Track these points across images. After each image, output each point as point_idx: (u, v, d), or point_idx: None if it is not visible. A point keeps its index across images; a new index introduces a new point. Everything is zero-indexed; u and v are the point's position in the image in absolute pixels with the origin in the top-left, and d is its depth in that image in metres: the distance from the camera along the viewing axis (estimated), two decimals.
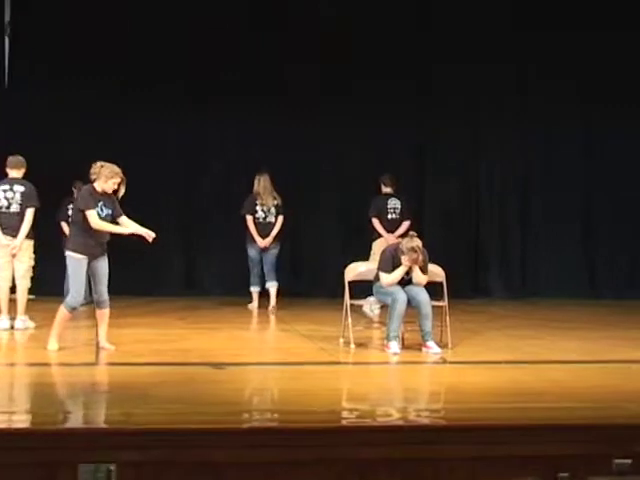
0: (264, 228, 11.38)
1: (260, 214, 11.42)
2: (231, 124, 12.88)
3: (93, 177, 8.08)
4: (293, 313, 11.11)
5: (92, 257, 8.04)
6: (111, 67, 12.28)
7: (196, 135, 12.94)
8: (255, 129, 12.62)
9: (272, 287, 11.43)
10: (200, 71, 12.54)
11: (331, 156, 12.97)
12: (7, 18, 12.43)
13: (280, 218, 11.41)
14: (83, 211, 7.96)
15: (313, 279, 12.90)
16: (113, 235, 8.16)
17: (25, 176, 9.52)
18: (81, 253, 8.01)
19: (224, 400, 6.22)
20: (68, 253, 8.08)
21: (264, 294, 11.49)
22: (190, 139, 12.87)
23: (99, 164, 8.08)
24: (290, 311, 11.27)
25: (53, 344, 8.02)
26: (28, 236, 9.34)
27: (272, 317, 11.08)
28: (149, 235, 8.10)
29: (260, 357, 8.62)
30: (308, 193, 12.54)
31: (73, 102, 12.16)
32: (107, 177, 8.02)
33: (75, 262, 8.02)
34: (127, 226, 8.15)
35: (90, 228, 7.96)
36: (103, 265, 8.10)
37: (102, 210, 8.00)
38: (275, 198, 11.45)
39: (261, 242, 11.35)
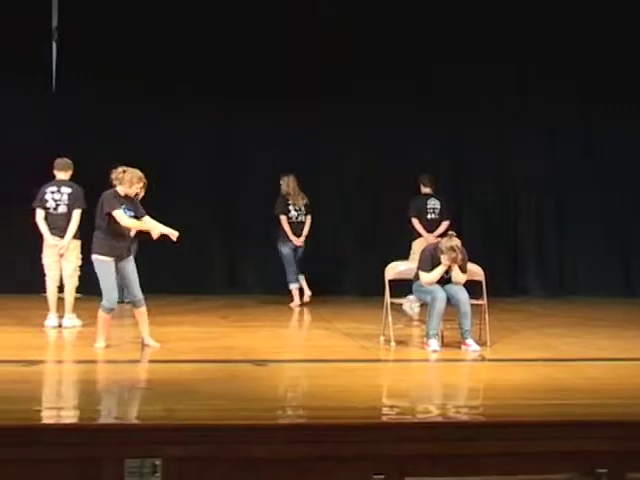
0: (297, 227, 11.62)
1: (293, 214, 11.65)
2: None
3: (115, 182, 8.20)
4: (332, 311, 11.17)
5: (119, 259, 8.17)
6: (156, 70, 12.31)
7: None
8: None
9: (302, 279, 11.69)
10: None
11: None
12: (54, 23, 12.50)
13: (309, 217, 11.68)
14: (109, 214, 8.08)
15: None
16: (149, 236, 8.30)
17: (72, 178, 9.67)
18: (107, 255, 8.13)
19: (266, 397, 6.29)
20: (95, 257, 8.20)
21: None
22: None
23: (121, 169, 8.19)
24: (329, 309, 11.35)
25: (100, 342, 8.19)
26: (75, 236, 9.46)
27: (310, 315, 11.16)
28: (172, 234, 8.21)
29: (301, 355, 8.69)
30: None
31: (120, 105, 12.22)
32: (131, 182, 8.15)
33: (103, 265, 8.14)
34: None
35: (115, 230, 8.11)
36: (130, 266, 8.23)
37: (125, 212, 8.13)
38: (304, 198, 11.70)
39: (296, 241, 11.57)
